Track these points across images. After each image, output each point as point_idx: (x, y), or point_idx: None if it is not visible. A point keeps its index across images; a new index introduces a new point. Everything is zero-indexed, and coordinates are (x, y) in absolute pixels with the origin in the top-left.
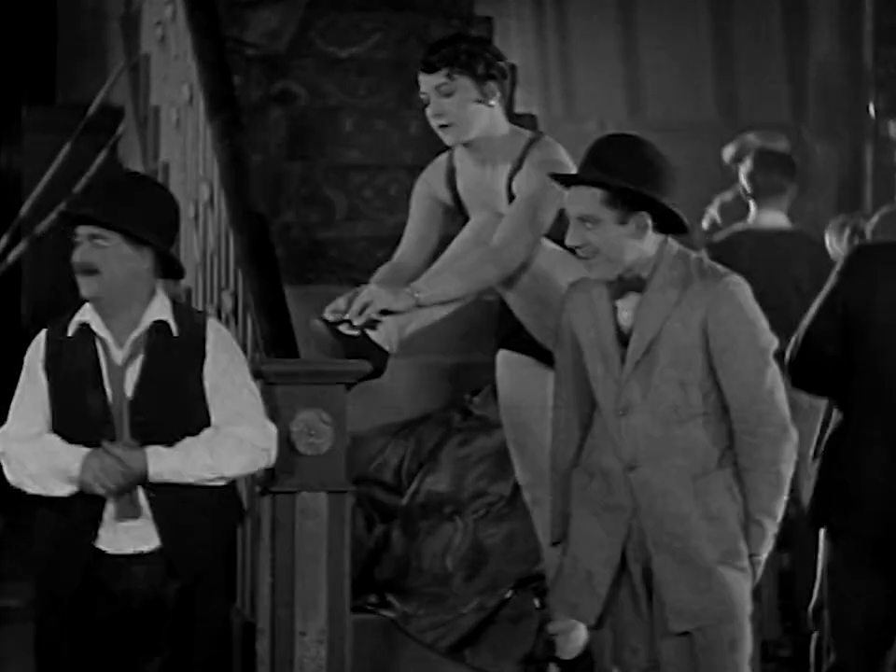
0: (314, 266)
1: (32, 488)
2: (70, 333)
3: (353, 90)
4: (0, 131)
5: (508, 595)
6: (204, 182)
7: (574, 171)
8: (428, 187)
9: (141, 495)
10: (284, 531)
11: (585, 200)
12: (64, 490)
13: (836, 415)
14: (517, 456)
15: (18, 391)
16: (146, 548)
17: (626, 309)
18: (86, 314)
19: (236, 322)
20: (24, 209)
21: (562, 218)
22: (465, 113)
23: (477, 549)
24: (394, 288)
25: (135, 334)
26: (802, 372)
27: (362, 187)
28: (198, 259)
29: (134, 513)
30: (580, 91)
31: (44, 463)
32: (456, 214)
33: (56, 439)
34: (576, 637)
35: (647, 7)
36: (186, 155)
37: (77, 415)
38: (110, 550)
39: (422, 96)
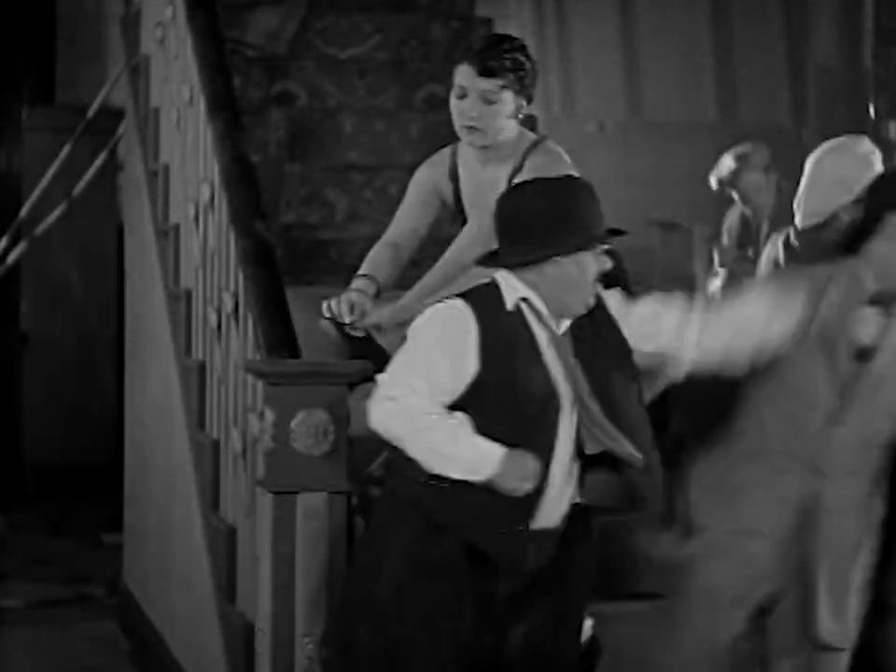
0: (314, 266)
1: (415, 454)
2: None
3: (353, 90)
4: (0, 131)
5: None
6: (205, 183)
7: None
8: (431, 176)
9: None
10: (284, 531)
11: None
12: (454, 475)
13: None
14: None
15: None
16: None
17: (870, 325)
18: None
19: (237, 322)
20: (24, 210)
21: None
22: (496, 124)
23: None
24: (407, 304)
25: None
26: None
27: (362, 187)
28: (198, 259)
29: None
30: (580, 92)
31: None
32: (454, 211)
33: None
34: None
35: (647, 7)
36: (186, 156)
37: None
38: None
39: (457, 88)
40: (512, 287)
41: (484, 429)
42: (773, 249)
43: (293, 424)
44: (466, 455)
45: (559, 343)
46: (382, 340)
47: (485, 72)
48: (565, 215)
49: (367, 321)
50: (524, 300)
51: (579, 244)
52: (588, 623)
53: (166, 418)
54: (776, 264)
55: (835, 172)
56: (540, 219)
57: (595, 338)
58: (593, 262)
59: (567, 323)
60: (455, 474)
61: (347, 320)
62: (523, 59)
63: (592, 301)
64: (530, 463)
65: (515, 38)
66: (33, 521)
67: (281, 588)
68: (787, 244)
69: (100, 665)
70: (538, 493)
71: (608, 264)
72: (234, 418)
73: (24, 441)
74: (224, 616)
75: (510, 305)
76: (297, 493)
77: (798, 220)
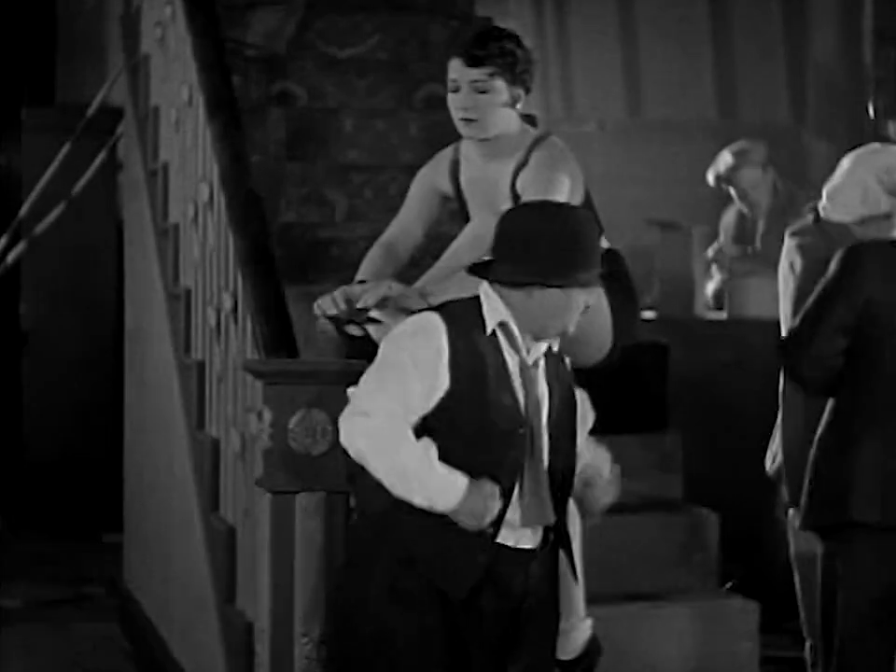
0: (314, 266)
1: (378, 474)
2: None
3: (352, 90)
4: (0, 131)
5: None
6: (204, 182)
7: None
8: (431, 176)
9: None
10: (284, 531)
11: None
12: (415, 501)
13: (827, 414)
14: None
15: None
16: (533, 545)
17: None
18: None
19: (236, 322)
20: (24, 209)
21: None
22: (493, 113)
23: None
24: (407, 288)
25: None
26: (810, 366)
27: (362, 187)
28: (198, 259)
29: (544, 520)
30: (579, 92)
31: (420, 475)
32: (456, 209)
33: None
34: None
35: (647, 7)
36: (185, 155)
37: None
38: (510, 544)
39: (450, 83)
40: (494, 309)
41: (448, 453)
42: (789, 254)
43: (291, 423)
44: (429, 482)
45: (526, 371)
46: (379, 335)
47: (472, 61)
48: (571, 248)
49: (376, 291)
50: (501, 324)
51: (579, 281)
52: (588, 623)
53: (166, 418)
54: (791, 268)
55: (883, 176)
56: (546, 245)
57: (557, 381)
58: (583, 296)
59: (538, 352)
60: (416, 500)
61: (342, 307)
62: (512, 46)
63: (571, 330)
64: (491, 498)
65: (505, 28)
66: (33, 521)
67: (281, 588)
68: (797, 234)
69: (100, 665)
70: (497, 525)
71: (593, 300)
72: (234, 418)
73: (24, 440)
74: (224, 616)
75: (488, 329)
76: (295, 493)
77: (828, 207)
